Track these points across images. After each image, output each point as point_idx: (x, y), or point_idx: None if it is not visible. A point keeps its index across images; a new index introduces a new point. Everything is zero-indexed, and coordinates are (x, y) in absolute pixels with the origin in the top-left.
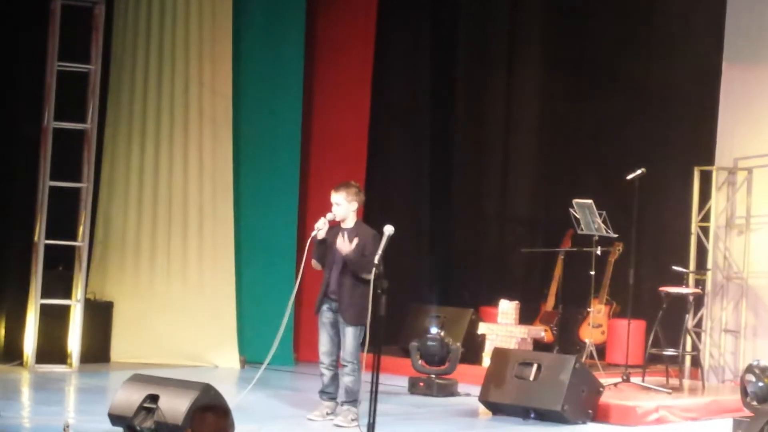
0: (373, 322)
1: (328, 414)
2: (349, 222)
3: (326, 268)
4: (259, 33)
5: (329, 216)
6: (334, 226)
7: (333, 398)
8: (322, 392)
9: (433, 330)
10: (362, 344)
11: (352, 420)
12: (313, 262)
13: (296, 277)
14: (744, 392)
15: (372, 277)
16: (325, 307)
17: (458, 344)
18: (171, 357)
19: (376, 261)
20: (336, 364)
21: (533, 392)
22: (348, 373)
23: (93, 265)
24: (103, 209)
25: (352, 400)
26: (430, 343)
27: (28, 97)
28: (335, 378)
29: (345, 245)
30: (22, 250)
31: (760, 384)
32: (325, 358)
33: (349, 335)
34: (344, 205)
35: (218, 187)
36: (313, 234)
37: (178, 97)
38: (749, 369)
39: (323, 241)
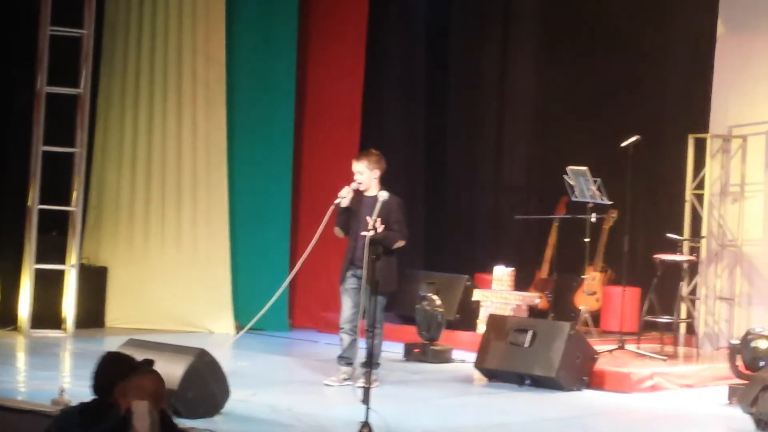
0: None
1: (345, 380)
2: (372, 191)
3: (351, 237)
4: None
5: (353, 185)
6: (358, 194)
7: (350, 364)
8: (341, 357)
9: (421, 296)
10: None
11: (374, 380)
12: (336, 229)
13: (305, 242)
14: (732, 359)
15: (403, 244)
16: (349, 273)
17: (441, 311)
18: (165, 322)
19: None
20: (356, 331)
21: (528, 359)
22: (375, 336)
23: (87, 231)
24: (97, 174)
25: (375, 362)
26: (416, 311)
27: (20, 61)
28: (354, 344)
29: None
30: (15, 215)
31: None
32: (346, 324)
33: (378, 304)
34: (366, 173)
35: (212, 153)
36: (336, 201)
37: (172, 62)
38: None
39: (347, 209)
